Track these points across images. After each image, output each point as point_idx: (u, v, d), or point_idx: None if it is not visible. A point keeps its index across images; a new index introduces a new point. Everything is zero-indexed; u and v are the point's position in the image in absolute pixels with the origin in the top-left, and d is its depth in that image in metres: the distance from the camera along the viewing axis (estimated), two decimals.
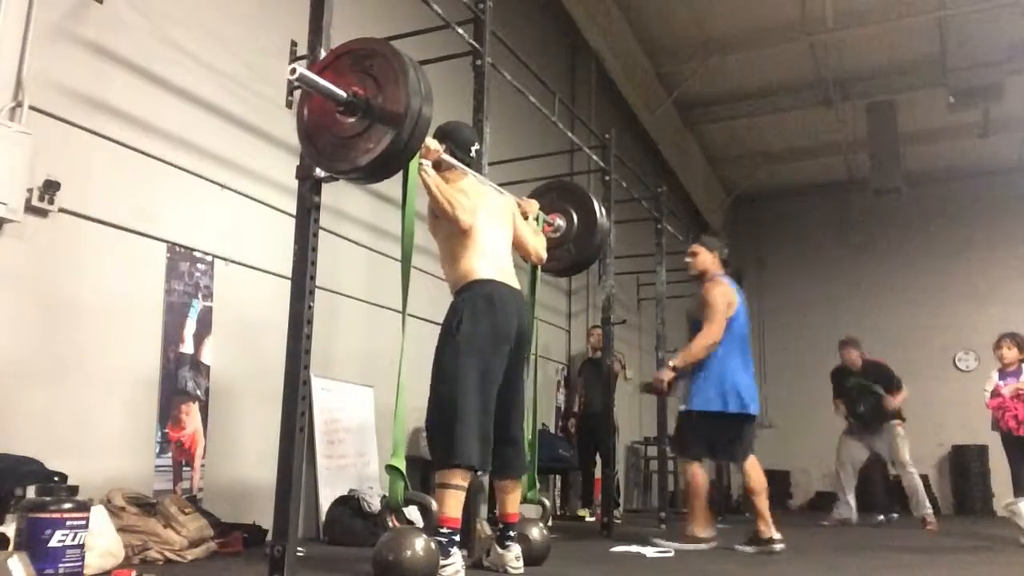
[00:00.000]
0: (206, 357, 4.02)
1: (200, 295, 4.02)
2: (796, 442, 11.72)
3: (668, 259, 7.19)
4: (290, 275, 2.81)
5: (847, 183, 12.39)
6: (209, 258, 4.10)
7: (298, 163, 2.89)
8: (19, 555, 2.23)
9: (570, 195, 4.29)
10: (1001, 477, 10.46)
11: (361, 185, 4.55)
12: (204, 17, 4.15)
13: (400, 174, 2.87)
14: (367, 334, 5.17)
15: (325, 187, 2.89)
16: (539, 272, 3.77)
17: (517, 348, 3.20)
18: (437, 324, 3.17)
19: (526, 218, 3.56)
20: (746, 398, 4.49)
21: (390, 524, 2.90)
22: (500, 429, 3.12)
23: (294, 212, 2.88)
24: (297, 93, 4.43)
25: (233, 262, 4.22)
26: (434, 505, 2.86)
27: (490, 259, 3.20)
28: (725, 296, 4.67)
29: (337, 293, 4.84)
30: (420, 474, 4.62)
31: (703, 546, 4.51)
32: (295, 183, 2.88)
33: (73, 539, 2.45)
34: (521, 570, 3.15)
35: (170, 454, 3.77)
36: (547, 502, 3.82)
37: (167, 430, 3.77)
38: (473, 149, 3.39)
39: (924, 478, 11.56)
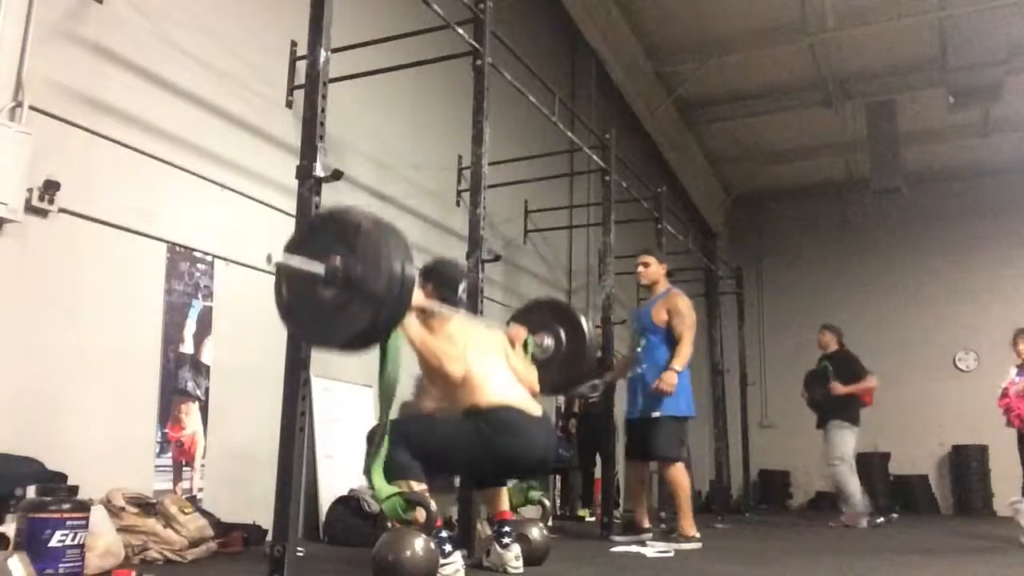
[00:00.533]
0: (206, 357, 4.02)
1: (200, 295, 4.02)
2: (796, 442, 11.67)
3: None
4: None
5: (847, 183, 12.38)
6: (209, 258, 4.11)
7: (298, 163, 2.89)
8: (19, 555, 2.24)
9: (557, 313, 4.19)
10: (1001, 477, 10.49)
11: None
12: (204, 17, 4.15)
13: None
14: None
15: (325, 187, 2.89)
16: None
17: (528, 470, 3.22)
18: None
19: (514, 346, 3.50)
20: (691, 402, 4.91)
21: (390, 524, 2.90)
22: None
23: (294, 212, 2.88)
24: (297, 93, 4.45)
25: (233, 262, 4.22)
26: (433, 506, 2.87)
27: (496, 388, 3.11)
28: (690, 307, 4.97)
29: None
30: None
31: (696, 545, 4.55)
32: (295, 183, 2.88)
33: (73, 539, 2.46)
34: (521, 570, 3.15)
35: (170, 454, 3.77)
36: (547, 502, 3.83)
37: (167, 430, 3.77)
38: (460, 288, 3.28)
39: (924, 478, 11.66)
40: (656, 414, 4.74)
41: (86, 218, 3.47)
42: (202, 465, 3.93)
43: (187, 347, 3.92)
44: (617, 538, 4.88)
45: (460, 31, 4.21)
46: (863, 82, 9.87)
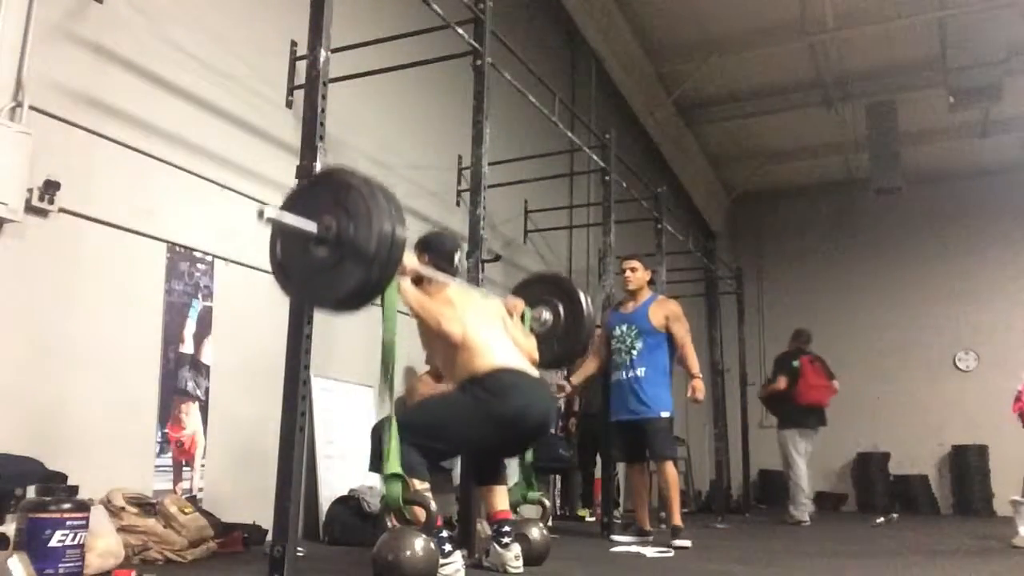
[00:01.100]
0: (206, 357, 4.02)
1: (200, 295, 4.02)
2: None
3: (668, 259, 7.20)
4: None
5: (847, 183, 12.38)
6: (209, 258, 4.10)
7: (298, 163, 2.89)
8: (19, 555, 2.24)
9: (556, 288, 4.24)
10: (1001, 477, 10.49)
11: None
12: (204, 17, 4.15)
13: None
14: (367, 334, 5.13)
15: None
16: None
17: (530, 436, 3.22)
18: None
19: (512, 317, 3.52)
20: None
21: (390, 524, 2.90)
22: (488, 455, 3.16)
23: None
24: (297, 93, 4.45)
25: (233, 262, 4.22)
26: (433, 505, 2.87)
27: (495, 352, 3.13)
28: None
29: None
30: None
31: (688, 542, 4.57)
32: (295, 183, 2.88)
33: (73, 539, 2.46)
34: (521, 570, 3.15)
35: (170, 454, 3.77)
36: (547, 502, 3.83)
37: (167, 430, 3.77)
38: (456, 257, 3.35)
39: (924, 478, 11.66)
40: (665, 414, 4.86)
41: (86, 218, 3.47)
42: (202, 465, 3.93)
43: (187, 347, 3.92)
44: (617, 538, 4.89)
45: (460, 31, 4.21)
46: (863, 82, 9.87)
